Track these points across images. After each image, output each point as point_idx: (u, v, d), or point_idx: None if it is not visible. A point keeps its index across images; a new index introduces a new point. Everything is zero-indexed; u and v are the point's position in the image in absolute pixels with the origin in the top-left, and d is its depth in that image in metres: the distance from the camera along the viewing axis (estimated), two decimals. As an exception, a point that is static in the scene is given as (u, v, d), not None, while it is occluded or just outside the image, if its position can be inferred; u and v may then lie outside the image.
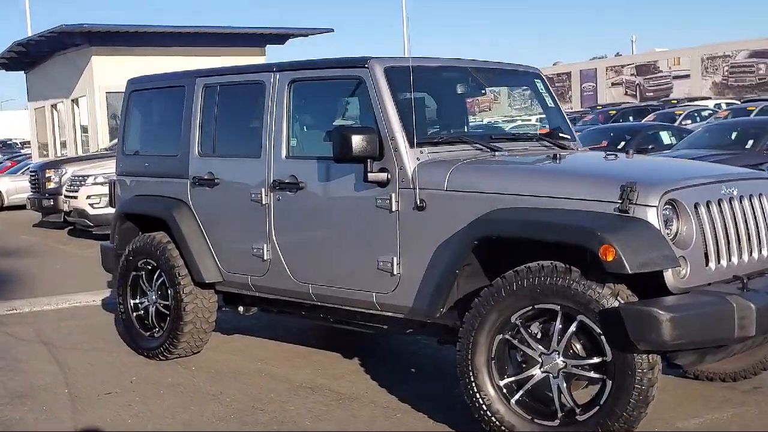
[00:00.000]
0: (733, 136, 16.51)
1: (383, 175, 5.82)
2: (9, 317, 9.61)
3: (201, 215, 7.15)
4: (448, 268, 5.44)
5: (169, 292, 7.32)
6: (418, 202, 5.69)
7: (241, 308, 7.39)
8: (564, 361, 5.00)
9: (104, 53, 22.15)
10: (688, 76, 57.10)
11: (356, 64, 6.11)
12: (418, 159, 5.81)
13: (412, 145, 5.85)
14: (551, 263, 4.95)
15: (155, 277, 7.49)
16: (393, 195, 5.81)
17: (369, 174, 5.80)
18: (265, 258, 6.64)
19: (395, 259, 5.84)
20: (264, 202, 6.60)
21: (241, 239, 6.86)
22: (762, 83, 53.00)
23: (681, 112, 28.02)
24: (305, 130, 6.85)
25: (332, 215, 6.22)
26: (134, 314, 7.72)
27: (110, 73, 21.50)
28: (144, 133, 8.12)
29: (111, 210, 15.46)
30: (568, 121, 7.14)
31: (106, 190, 15.16)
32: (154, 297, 7.53)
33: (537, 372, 5.08)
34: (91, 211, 15.79)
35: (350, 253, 6.13)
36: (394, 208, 5.81)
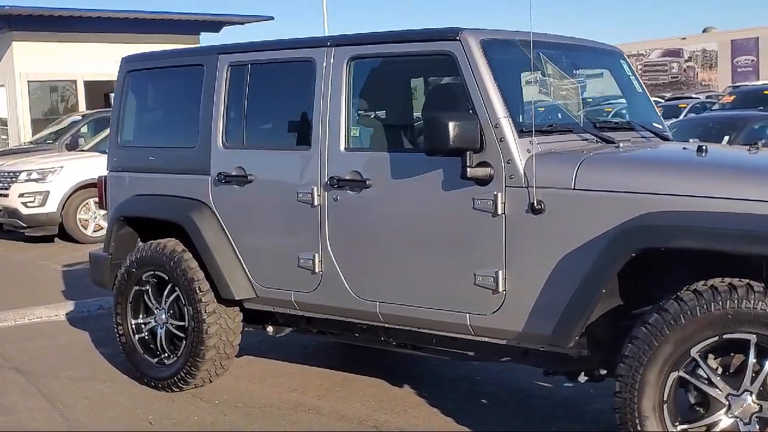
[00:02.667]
0: (709, 132, 15.77)
1: (485, 171, 4.74)
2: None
3: (227, 219, 5.95)
4: (590, 286, 4.39)
5: (185, 310, 6.10)
6: (535, 204, 4.62)
7: (270, 329, 6.22)
8: (758, 404, 3.99)
9: (26, 38, 20.53)
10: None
11: (444, 37, 5.02)
12: (528, 151, 4.75)
13: (521, 134, 4.76)
14: (746, 282, 3.93)
15: (166, 292, 6.24)
16: (498, 195, 4.74)
17: (468, 169, 4.70)
18: (316, 270, 5.50)
19: (500, 273, 4.77)
20: (316, 203, 5.46)
21: (282, 248, 5.71)
22: (675, 82, 53.54)
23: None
24: (371, 117, 5.72)
25: (411, 219, 5.12)
26: (136, 337, 6.44)
27: (32, 60, 19.95)
28: (146, 120, 6.87)
29: (46, 210, 14.33)
30: (656, 109, 6.14)
31: (41, 187, 13.82)
32: (164, 316, 6.30)
33: (723, 417, 4.07)
34: (24, 211, 14.27)
35: (436, 266, 5.04)
36: (499, 211, 4.74)
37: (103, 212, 13.98)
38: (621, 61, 6.08)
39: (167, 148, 6.43)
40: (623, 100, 6.24)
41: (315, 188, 5.46)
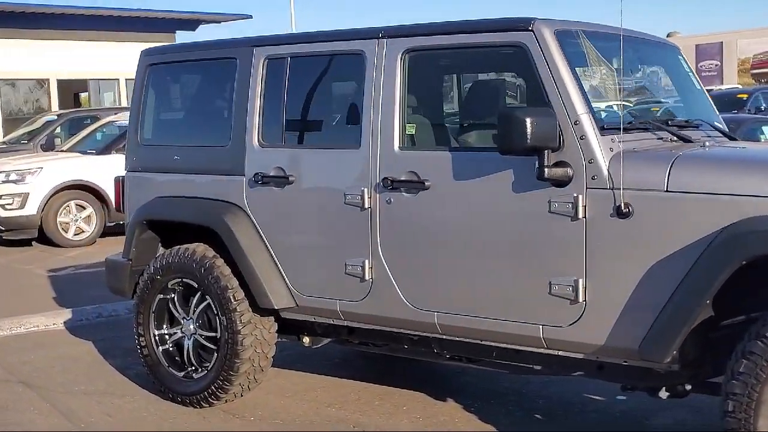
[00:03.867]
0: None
1: (564, 171, 4.39)
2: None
3: (263, 222, 5.55)
4: (692, 296, 4.06)
5: (218, 320, 5.67)
6: (622, 207, 4.27)
7: (306, 339, 5.82)
8: None
9: (-5, 35, 19.85)
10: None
11: (514, 27, 4.65)
12: (611, 150, 4.40)
13: (602, 132, 4.42)
14: None
15: (194, 301, 5.82)
16: (579, 197, 4.39)
17: (546, 169, 4.35)
18: (366, 278, 5.11)
19: (580, 281, 4.42)
20: (366, 206, 5.07)
21: (327, 254, 5.32)
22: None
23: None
24: (428, 114, 5.33)
25: (476, 223, 4.75)
26: (160, 349, 6.01)
27: (2, 57, 19.23)
28: (170, 117, 6.45)
29: (25, 212, 13.76)
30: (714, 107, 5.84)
31: (20, 189, 13.30)
32: (192, 327, 5.87)
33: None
34: (2, 213, 13.69)
35: (505, 274, 4.68)
36: (579, 214, 4.39)
37: (84, 215, 13.53)
38: (679, 56, 5.75)
39: (194, 147, 6.01)
40: (675, 98, 5.90)
41: (365, 190, 5.08)
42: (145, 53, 6.30)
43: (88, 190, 13.96)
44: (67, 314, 8.68)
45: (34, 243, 14.08)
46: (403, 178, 4.96)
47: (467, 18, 5.15)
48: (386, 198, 5.02)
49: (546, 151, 4.38)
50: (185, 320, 5.92)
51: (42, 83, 22.00)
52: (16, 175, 13.79)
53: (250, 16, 22.87)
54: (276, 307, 5.50)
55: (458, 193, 4.80)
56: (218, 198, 5.76)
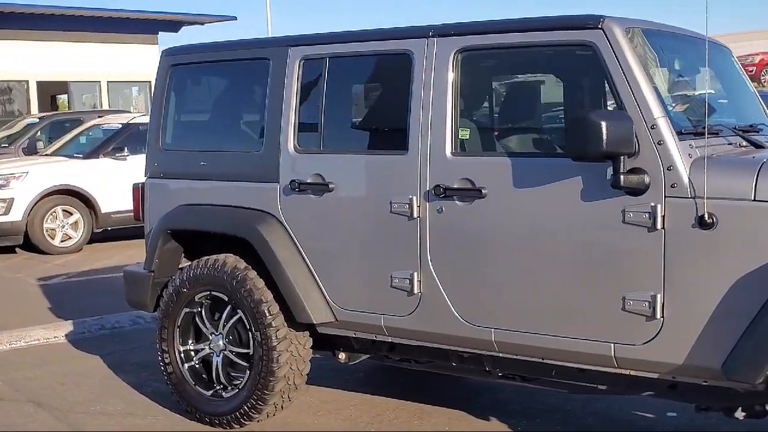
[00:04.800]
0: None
1: (641, 178, 4.11)
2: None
3: (299, 232, 5.24)
4: (789, 313, 3.76)
5: (251, 336, 5.34)
6: (705, 217, 3.99)
7: (342, 355, 5.50)
8: None
9: (-28, 36, 19.35)
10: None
11: (582, 25, 4.36)
12: (690, 156, 4.13)
13: (680, 136, 4.15)
14: None
15: (224, 315, 5.48)
16: (657, 206, 4.10)
17: (622, 177, 4.07)
18: (414, 291, 4.81)
19: (658, 297, 4.15)
20: (415, 215, 4.77)
21: (370, 266, 5.01)
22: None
23: None
24: (484, 117, 5.04)
25: (540, 234, 4.47)
26: (185, 366, 5.66)
27: (-21, 58, 18.73)
28: (195, 121, 6.10)
29: (10, 218, 13.30)
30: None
31: (5, 194, 12.98)
32: (221, 342, 5.53)
33: None
34: (-13, 219, 13.21)
35: (572, 288, 4.40)
36: (658, 225, 4.11)
37: (71, 221, 13.10)
38: (731, 58, 5.49)
39: (223, 152, 5.68)
40: (726, 100, 5.64)
41: (414, 198, 4.77)
42: (167, 53, 5.96)
43: (75, 195, 13.57)
44: (67, 326, 8.30)
45: (18, 250, 13.62)
46: (456, 186, 4.67)
47: (459, 21, 4.80)
48: (437, 206, 4.72)
49: (622, 158, 4.09)
50: (214, 335, 5.59)
51: (21, 85, 21.48)
52: (2, 180, 13.32)
53: (235, 18, 22.46)
54: (315, 322, 5.18)
55: (519, 202, 4.51)
56: (249, 206, 5.43)
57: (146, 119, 14.91)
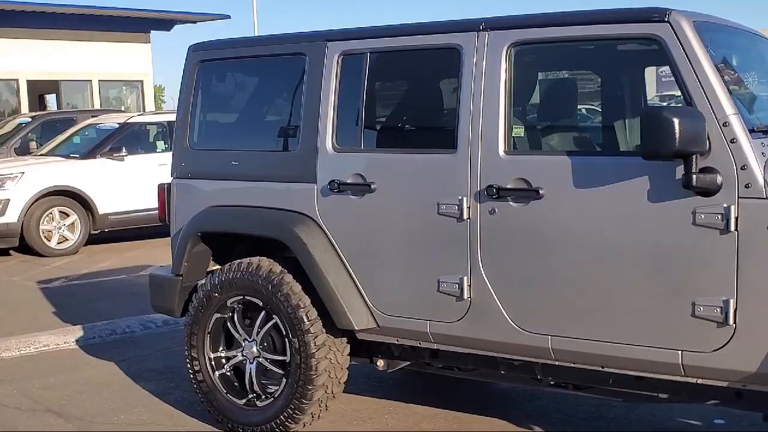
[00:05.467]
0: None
1: (713, 178, 3.92)
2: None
3: (338, 235, 5.03)
4: None
5: (287, 342, 5.13)
6: (783, 219, 3.80)
7: (380, 363, 5.29)
8: None
9: (-39, 33, 19.00)
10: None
11: (647, 18, 4.17)
12: (763, 155, 3.94)
13: (752, 135, 3.96)
14: None
15: (259, 321, 5.26)
16: (731, 208, 3.92)
17: (694, 176, 3.87)
18: (465, 296, 4.60)
19: (731, 302, 3.95)
20: (465, 217, 4.56)
21: (415, 270, 4.80)
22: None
23: None
24: (540, 114, 4.82)
25: (602, 237, 4.28)
26: (216, 374, 5.44)
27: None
28: (225, 119, 5.87)
29: (5, 219, 12.98)
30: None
31: (1, 194, 12.50)
32: (255, 349, 5.30)
33: None
34: (-18, 221, 12.93)
35: (637, 294, 4.21)
36: (731, 227, 3.92)
37: (68, 222, 12.82)
38: None
39: (255, 152, 5.47)
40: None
41: (464, 199, 4.57)
42: (195, 48, 5.73)
43: (72, 196, 13.32)
44: (77, 332, 8.06)
45: (12, 252, 13.34)
46: (510, 186, 4.46)
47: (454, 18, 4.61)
48: (489, 208, 4.52)
49: (694, 156, 3.90)
50: (247, 342, 5.36)
51: (12, 83, 21.12)
52: (-6, 181, 13.04)
53: (228, 17, 22.19)
54: (356, 328, 4.97)
55: (580, 203, 4.31)
56: (284, 208, 5.22)
57: (143, 119, 14.71)
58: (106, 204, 13.44)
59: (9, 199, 12.88)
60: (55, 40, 18.77)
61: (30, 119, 17.24)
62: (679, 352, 4.12)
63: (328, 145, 5.06)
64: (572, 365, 4.53)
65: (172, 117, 14.65)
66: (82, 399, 6.26)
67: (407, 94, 5.13)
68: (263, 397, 5.34)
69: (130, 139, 14.10)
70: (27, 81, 21.33)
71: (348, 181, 4.97)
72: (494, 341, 4.64)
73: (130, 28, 20.99)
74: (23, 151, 15.76)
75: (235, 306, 5.39)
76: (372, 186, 4.89)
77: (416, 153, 4.86)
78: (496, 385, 6.07)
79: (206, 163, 5.62)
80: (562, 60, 4.80)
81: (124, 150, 13.68)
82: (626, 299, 4.23)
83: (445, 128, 4.72)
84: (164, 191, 5.79)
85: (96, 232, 13.70)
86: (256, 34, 34.11)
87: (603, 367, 4.43)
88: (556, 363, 4.56)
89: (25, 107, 21.10)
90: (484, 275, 4.59)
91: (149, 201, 13.42)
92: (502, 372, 4.90)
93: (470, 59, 4.61)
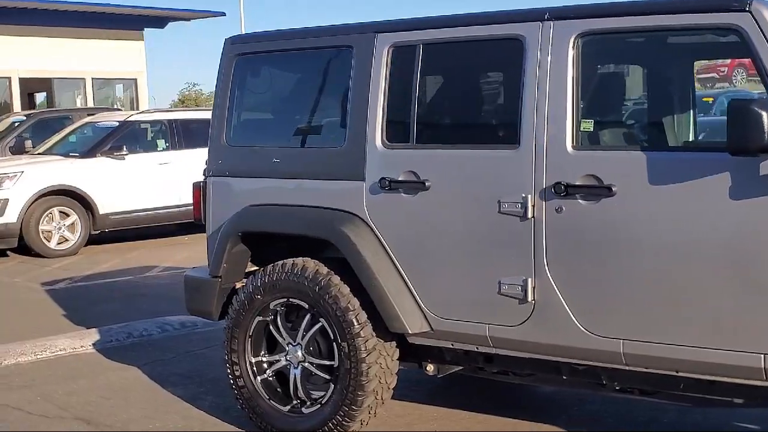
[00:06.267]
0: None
1: None
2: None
3: (389, 234, 4.82)
4: None
5: (336, 347, 4.91)
6: None
7: (430, 367, 5.09)
8: None
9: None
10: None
11: (727, 7, 3.98)
12: None
13: (841, 129, 3.78)
14: None
15: (304, 324, 5.05)
16: None
17: None
18: (528, 299, 4.40)
19: (821, 303, 3.74)
20: (530, 215, 4.36)
21: (474, 271, 4.60)
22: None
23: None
24: (608, 107, 4.63)
25: (680, 236, 4.10)
26: (258, 379, 5.22)
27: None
28: (265, 115, 5.64)
29: (4, 220, 12.67)
30: None
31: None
32: (300, 353, 5.08)
33: None
34: (-19, 220, 12.64)
35: (721, 296, 4.04)
36: (820, 226, 3.71)
37: (68, 222, 12.55)
38: None
39: (298, 149, 5.26)
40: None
41: (529, 197, 4.37)
42: (232, 41, 5.51)
43: (72, 195, 13.03)
44: (92, 335, 7.81)
45: (9, 252, 13.06)
46: (579, 183, 4.26)
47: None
48: (556, 206, 4.32)
49: None
50: (291, 346, 5.14)
51: (4, 81, 20.77)
52: (-7, 179, 12.74)
53: (223, 14, 22.02)
54: (410, 332, 4.77)
55: (655, 201, 4.12)
56: (330, 206, 5.01)
57: (143, 117, 14.44)
58: (107, 204, 13.19)
59: (8, 199, 12.61)
60: (47, 37, 18.44)
61: (24, 117, 16.91)
62: (762, 356, 3.94)
63: (378, 141, 4.85)
64: (644, 370, 4.32)
65: (173, 115, 14.44)
66: (110, 405, 6.02)
67: (464, 88, 4.92)
68: (308, 403, 5.12)
69: (130, 138, 13.84)
70: (19, 79, 21.00)
71: (400, 179, 4.76)
72: (560, 345, 4.44)
73: (123, 25, 20.68)
74: (18, 149, 15.45)
75: (279, 309, 5.17)
76: (426, 183, 4.68)
77: (475, 148, 4.66)
78: (540, 389, 5.87)
79: (245, 160, 5.41)
80: (632, 51, 4.61)
81: (124, 149, 13.40)
82: (706, 301, 4.04)
83: (507, 123, 4.52)
84: (200, 190, 5.56)
85: (96, 232, 13.41)
86: (243, 32, 33.80)
87: (677, 372, 4.22)
88: (625, 368, 4.35)
89: (17, 105, 20.77)
90: (549, 276, 4.39)
91: (150, 201, 13.23)
92: (564, 377, 4.69)
93: (534, 50, 4.42)
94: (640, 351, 4.22)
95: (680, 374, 4.25)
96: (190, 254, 12.71)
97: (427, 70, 4.79)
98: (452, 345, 4.84)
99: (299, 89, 5.55)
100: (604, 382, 4.59)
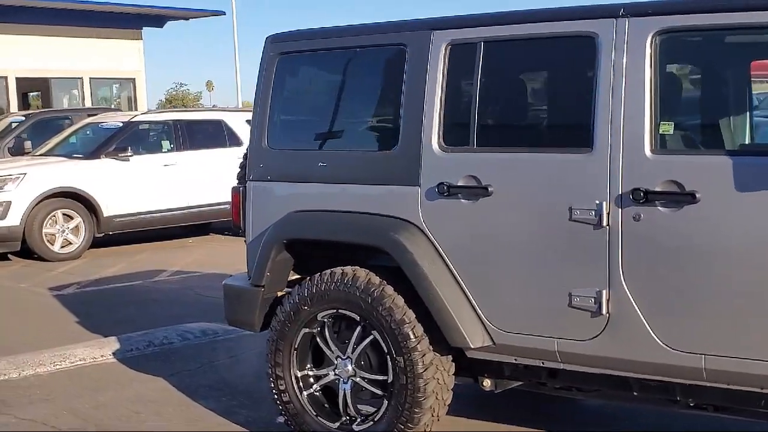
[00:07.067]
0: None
1: None
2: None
3: (448, 242, 4.57)
4: None
5: (390, 361, 4.65)
6: None
7: (487, 382, 4.82)
8: None
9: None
10: None
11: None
12: None
13: None
14: None
15: (353, 336, 4.79)
16: None
17: None
18: (602, 312, 4.14)
19: None
20: (604, 224, 4.09)
21: (542, 282, 4.36)
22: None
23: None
24: (691, 109, 4.38)
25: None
26: (304, 394, 4.95)
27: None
28: (310, 117, 5.36)
29: (7, 223, 12.35)
30: None
31: (1, 197, 11.92)
32: (350, 368, 4.82)
33: None
34: (-16, 224, 12.31)
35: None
36: None
37: (71, 225, 12.24)
38: None
39: (347, 152, 5.00)
40: None
41: (603, 204, 4.11)
42: (274, 39, 5.24)
43: (76, 198, 12.71)
44: (111, 344, 7.53)
45: (11, 257, 12.75)
46: (659, 189, 4.00)
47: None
48: (633, 214, 4.07)
49: None
50: (340, 360, 4.86)
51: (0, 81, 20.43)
52: (-4, 182, 12.42)
53: (223, 13, 21.69)
54: (472, 347, 4.50)
55: (742, 208, 3.89)
56: (381, 213, 4.76)
57: (148, 117, 14.15)
58: (111, 206, 12.91)
59: (10, 202, 12.30)
60: (45, 36, 18.11)
61: (23, 118, 16.57)
62: None
63: (434, 144, 4.59)
64: (725, 386, 4.07)
65: (177, 116, 14.15)
66: (142, 419, 5.75)
67: (530, 88, 4.68)
68: (359, 420, 4.85)
69: (134, 139, 13.54)
70: (16, 78, 20.64)
71: (459, 184, 4.50)
72: (635, 361, 4.20)
73: (121, 24, 20.35)
74: (17, 150, 15.12)
75: (326, 320, 4.89)
76: (489, 189, 4.43)
77: (542, 152, 4.41)
78: (584, 402, 5.62)
79: (288, 164, 5.14)
80: (714, 50, 4.35)
81: (129, 150, 13.10)
82: (798, 314, 3.78)
83: (578, 125, 4.27)
84: (239, 195, 5.28)
85: (100, 235, 13.11)
86: (235, 33, 33.53)
87: (762, 388, 3.98)
88: (704, 384, 4.10)
89: (14, 106, 20.42)
90: (625, 288, 4.14)
91: (155, 203, 12.94)
92: (634, 393, 4.44)
93: (608, 49, 4.17)
94: (723, 366, 3.99)
95: (765, 390, 3.99)
96: (196, 258, 12.47)
97: (489, 69, 4.54)
98: (515, 360, 4.57)
99: (347, 89, 5.28)
100: (678, 398, 4.32)
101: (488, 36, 4.53)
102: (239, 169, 5.53)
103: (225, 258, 12.34)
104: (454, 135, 4.61)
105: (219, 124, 14.15)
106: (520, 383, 4.85)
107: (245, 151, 5.54)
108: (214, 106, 31.71)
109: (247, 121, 14.19)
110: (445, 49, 4.62)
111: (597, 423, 5.54)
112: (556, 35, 4.37)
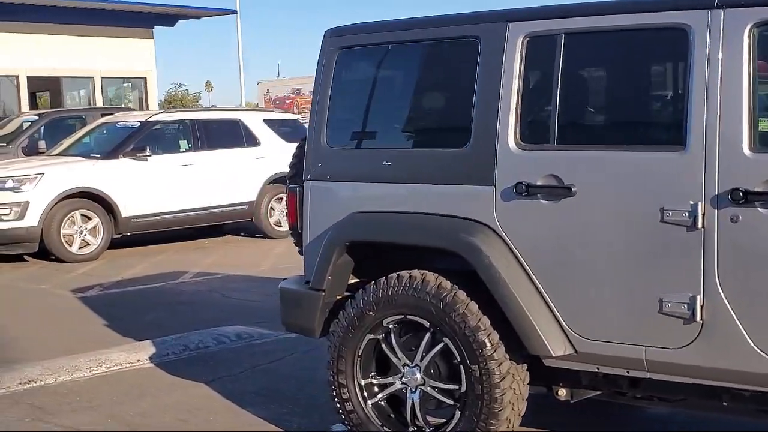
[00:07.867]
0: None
1: None
2: (33, 394, 6.32)
3: (525, 245, 4.34)
4: None
5: (463, 370, 4.43)
6: None
7: (562, 392, 4.60)
8: None
9: (-40, 28, 18.05)
10: None
11: None
12: None
13: None
14: None
15: (423, 343, 4.56)
16: None
17: None
18: (696, 318, 3.91)
19: None
20: (698, 225, 3.86)
21: (630, 287, 4.13)
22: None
23: None
24: None
25: None
26: (369, 403, 4.72)
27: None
28: (372, 113, 5.12)
29: (25, 223, 12.11)
30: None
31: (19, 197, 11.79)
32: (418, 376, 4.59)
33: None
34: (-1, 225, 12.08)
35: None
36: None
37: (89, 226, 12.01)
38: None
39: (413, 150, 4.78)
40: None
41: (699, 204, 3.88)
42: (333, 33, 5.02)
43: (94, 198, 12.48)
44: (146, 348, 7.32)
45: (27, 257, 12.52)
46: (760, 190, 3.77)
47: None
48: (731, 215, 3.84)
49: None
50: (408, 368, 4.63)
51: (11, 80, 20.16)
52: (13, 182, 12.24)
53: (235, 12, 21.39)
54: (553, 355, 4.26)
55: None
56: (452, 214, 4.53)
57: (165, 117, 13.91)
58: (130, 206, 12.69)
59: (28, 202, 12.07)
60: (56, 35, 17.89)
61: (36, 117, 16.32)
62: None
63: (511, 141, 4.36)
64: (830, 398, 3.85)
65: (195, 115, 13.92)
66: (190, 428, 5.51)
67: (615, 82, 4.44)
68: (428, 431, 4.62)
69: (152, 139, 13.31)
70: (27, 78, 20.40)
71: (538, 183, 4.27)
72: (731, 370, 3.97)
73: (133, 23, 20.12)
74: (31, 150, 14.88)
75: (392, 326, 4.66)
76: (572, 189, 4.20)
77: (631, 150, 4.17)
78: (643, 409, 5.40)
79: (349, 163, 4.92)
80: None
81: (147, 150, 12.87)
82: None
83: (669, 122, 4.06)
84: (296, 195, 5.05)
85: (118, 236, 12.89)
86: (239, 32, 33.21)
87: None
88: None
89: (25, 105, 20.19)
90: (722, 294, 3.91)
91: (174, 203, 12.71)
92: (724, 403, 4.22)
93: (702, 41, 3.94)
94: (830, 377, 3.74)
95: None
96: (216, 259, 12.28)
97: (571, 63, 4.31)
98: (597, 369, 4.34)
99: (412, 85, 5.06)
100: (767, 408, 4.10)
101: (570, 28, 4.31)
102: (289, 169, 5.31)
103: (244, 259, 12.17)
104: (533, 132, 4.38)
105: (236, 124, 13.93)
106: (598, 392, 4.60)
107: (296, 149, 5.31)
108: (213, 106, 31.44)
109: (265, 121, 13.99)
110: (522, 42, 4.40)
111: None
112: (645, 27, 4.14)
